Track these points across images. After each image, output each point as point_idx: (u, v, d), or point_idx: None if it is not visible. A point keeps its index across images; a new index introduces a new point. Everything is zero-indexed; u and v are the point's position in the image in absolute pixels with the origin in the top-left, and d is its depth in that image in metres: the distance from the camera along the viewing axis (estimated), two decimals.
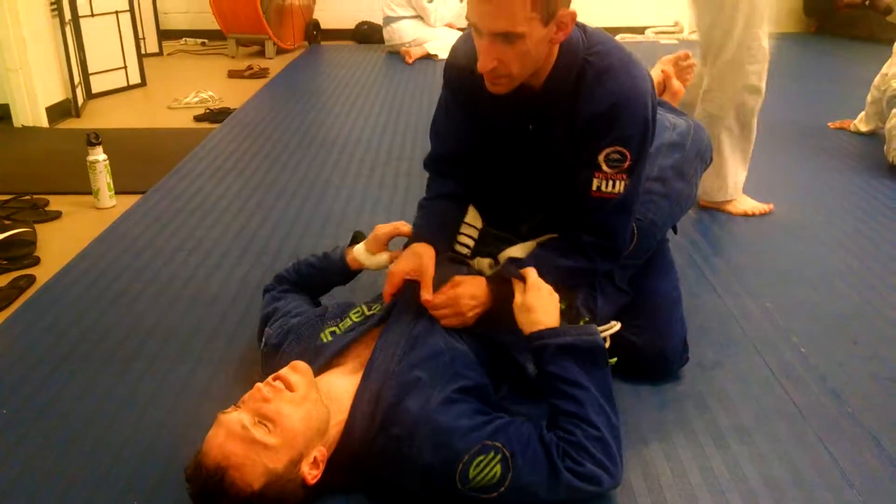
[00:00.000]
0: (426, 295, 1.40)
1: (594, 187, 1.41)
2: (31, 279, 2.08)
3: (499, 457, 1.16)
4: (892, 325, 1.82)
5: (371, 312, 1.44)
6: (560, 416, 1.23)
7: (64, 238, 2.36)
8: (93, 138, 2.58)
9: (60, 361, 1.67)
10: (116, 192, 2.64)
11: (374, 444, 1.20)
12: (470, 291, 1.42)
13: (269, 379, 1.18)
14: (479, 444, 1.17)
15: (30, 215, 2.52)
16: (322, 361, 1.33)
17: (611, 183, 1.40)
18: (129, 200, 2.64)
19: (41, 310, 1.90)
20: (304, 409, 1.15)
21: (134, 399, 1.54)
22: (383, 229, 1.61)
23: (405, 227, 1.60)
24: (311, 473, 1.15)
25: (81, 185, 2.66)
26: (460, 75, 1.47)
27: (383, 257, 1.62)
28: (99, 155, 2.57)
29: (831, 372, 1.62)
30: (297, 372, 1.20)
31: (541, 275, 1.38)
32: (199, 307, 1.91)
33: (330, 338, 1.39)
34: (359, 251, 1.64)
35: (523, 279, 1.37)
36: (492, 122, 1.51)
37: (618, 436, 1.23)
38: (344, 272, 1.68)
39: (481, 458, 1.16)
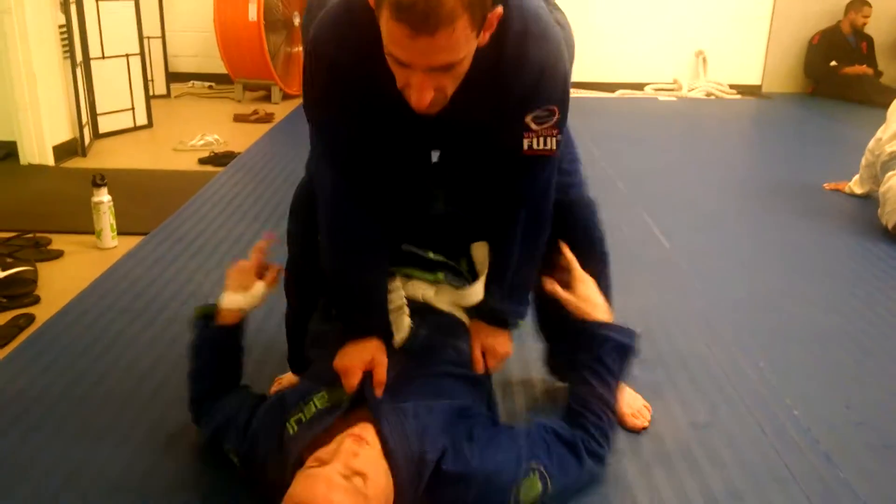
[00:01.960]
0: (378, 390, 1.34)
1: (525, 147, 1.33)
2: (31, 318, 2.10)
3: (537, 475, 1.29)
4: (884, 390, 1.83)
5: (337, 398, 1.33)
6: (592, 398, 1.41)
7: (65, 277, 2.38)
8: (98, 180, 2.62)
9: (57, 401, 1.68)
10: (119, 233, 2.67)
11: None
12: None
13: (346, 434, 1.20)
14: (522, 469, 1.28)
15: (31, 254, 2.54)
16: (294, 455, 1.25)
17: (542, 140, 1.33)
18: (131, 241, 2.67)
19: (40, 349, 1.91)
20: (383, 466, 1.18)
21: (128, 441, 1.55)
22: (247, 264, 1.57)
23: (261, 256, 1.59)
24: None
25: (84, 225, 2.69)
26: (350, 78, 1.27)
27: (259, 287, 1.53)
28: (104, 196, 2.61)
29: (824, 436, 1.63)
30: (366, 431, 1.22)
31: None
32: None
33: (296, 427, 1.30)
34: (229, 299, 1.52)
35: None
36: (392, 119, 1.34)
37: None
38: (226, 339, 1.53)
39: (526, 481, 1.28)
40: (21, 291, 2.25)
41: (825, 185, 3.57)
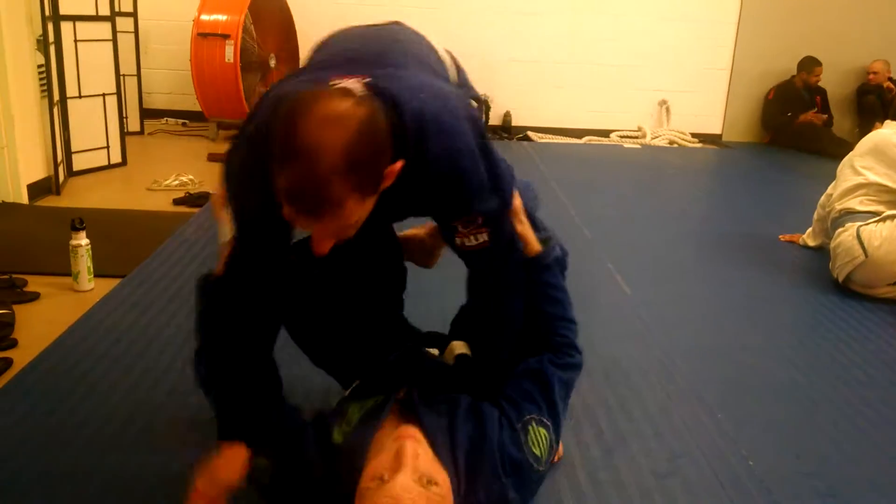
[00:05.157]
0: None
1: (458, 243, 1.46)
2: (9, 362, 2.12)
3: (533, 423, 1.42)
4: (831, 441, 1.94)
5: (371, 405, 1.44)
6: (551, 321, 1.57)
7: (42, 321, 2.40)
8: (77, 223, 2.65)
9: (39, 448, 1.71)
10: (95, 275, 2.71)
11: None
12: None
13: (395, 439, 1.25)
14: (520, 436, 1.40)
15: (8, 295, 2.56)
16: (348, 464, 1.30)
17: (473, 237, 1.43)
18: (107, 284, 2.70)
19: (20, 395, 1.94)
20: (438, 463, 1.26)
21: (111, 488, 1.59)
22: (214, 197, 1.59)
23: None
24: None
25: (59, 266, 2.72)
26: (259, 217, 1.34)
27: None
28: (82, 240, 2.64)
29: (775, 485, 1.73)
30: (411, 429, 1.28)
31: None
32: (176, 397, 1.96)
33: (342, 437, 1.38)
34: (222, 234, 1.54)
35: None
36: None
37: None
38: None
39: (529, 437, 1.40)
40: None
41: (781, 236, 3.73)
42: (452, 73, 1.57)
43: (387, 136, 1.18)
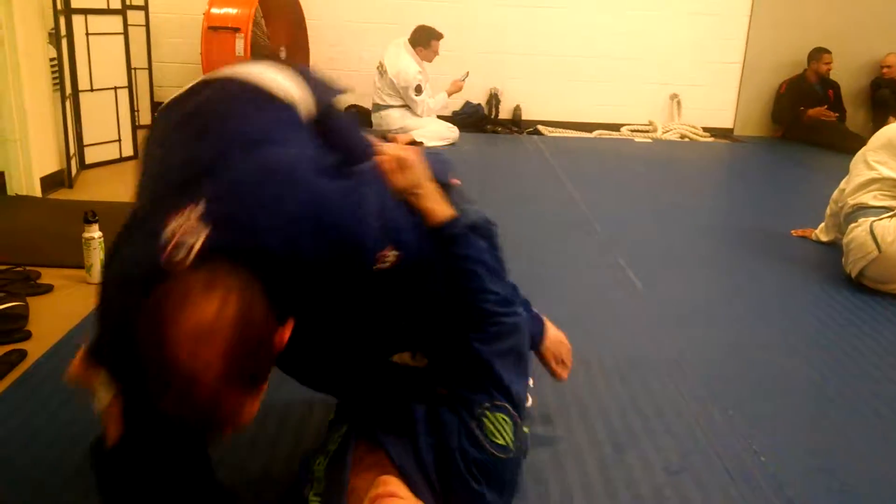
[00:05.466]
0: None
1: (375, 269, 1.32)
2: (23, 354, 2.13)
3: (488, 412, 1.33)
4: (844, 437, 1.94)
5: (331, 447, 1.38)
6: (473, 294, 1.41)
7: (55, 313, 2.42)
8: (90, 216, 2.67)
9: (52, 442, 1.73)
10: None
11: None
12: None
13: (372, 500, 1.19)
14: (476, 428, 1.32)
15: (22, 287, 2.58)
16: None
17: (384, 262, 1.29)
18: None
19: (33, 388, 1.96)
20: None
21: None
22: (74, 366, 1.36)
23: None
24: None
25: (73, 259, 2.74)
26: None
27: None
28: (95, 232, 2.66)
29: (788, 482, 1.72)
30: (391, 484, 1.22)
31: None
32: None
33: (318, 499, 1.30)
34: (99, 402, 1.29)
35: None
36: None
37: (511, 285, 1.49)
38: None
39: (487, 428, 1.31)
40: (12, 327, 2.28)
41: (793, 231, 3.72)
42: (301, 93, 1.39)
43: (264, 309, 1.05)
